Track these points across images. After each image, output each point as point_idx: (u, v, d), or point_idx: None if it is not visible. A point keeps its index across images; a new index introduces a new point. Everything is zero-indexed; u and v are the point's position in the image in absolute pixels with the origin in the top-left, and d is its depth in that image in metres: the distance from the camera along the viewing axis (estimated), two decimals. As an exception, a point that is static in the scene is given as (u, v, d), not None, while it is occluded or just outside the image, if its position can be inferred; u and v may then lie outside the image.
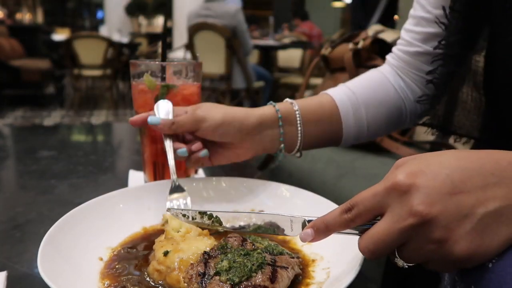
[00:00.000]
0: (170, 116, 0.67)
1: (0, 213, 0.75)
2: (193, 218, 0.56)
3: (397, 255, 0.40)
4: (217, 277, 0.45)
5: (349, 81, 0.79)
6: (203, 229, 0.57)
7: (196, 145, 0.67)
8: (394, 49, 0.81)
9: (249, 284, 0.44)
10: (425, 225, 0.36)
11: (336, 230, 0.43)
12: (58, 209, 0.74)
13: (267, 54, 5.14)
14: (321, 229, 0.44)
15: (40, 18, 12.86)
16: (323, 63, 1.51)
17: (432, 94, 0.73)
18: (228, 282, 0.44)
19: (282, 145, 0.72)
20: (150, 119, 0.67)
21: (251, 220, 0.54)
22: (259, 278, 0.45)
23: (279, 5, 11.19)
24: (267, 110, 0.70)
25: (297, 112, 0.71)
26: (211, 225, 0.55)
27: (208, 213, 0.55)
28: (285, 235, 0.50)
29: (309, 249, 0.59)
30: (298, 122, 0.71)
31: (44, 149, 1.15)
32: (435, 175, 0.38)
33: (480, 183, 0.37)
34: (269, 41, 5.57)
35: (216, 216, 0.54)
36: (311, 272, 0.54)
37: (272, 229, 0.51)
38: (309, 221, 0.46)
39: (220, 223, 0.54)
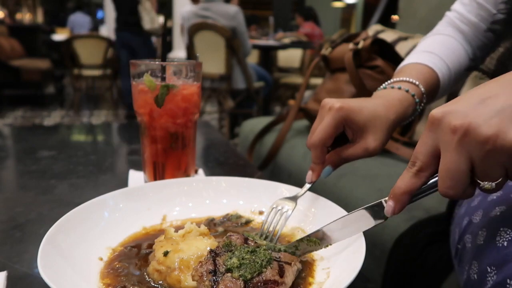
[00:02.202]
0: None
1: (0, 213, 0.75)
2: None
3: (478, 181, 0.41)
4: (229, 274, 0.46)
5: (436, 48, 0.81)
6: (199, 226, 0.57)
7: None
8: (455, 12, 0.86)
9: (261, 279, 0.45)
10: (470, 133, 0.38)
11: (412, 188, 0.44)
12: (58, 209, 0.74)
13: (267, 54, 5.14)
14: (399, 194, 0.45)
15: (40, 18, 12.86)
16: (323, 63, 1.51)
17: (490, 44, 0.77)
18: (240, 279, 0.45)
19: (417, 99, 0.70)
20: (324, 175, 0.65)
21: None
22: (269, 274, 0.46)
23: (279, 5, 11.18)
24: (405, 100, 0.68)
25: (423, 92, 0.72)
26: (310, 249, 0.55)
27: (306, 237, 0.55)
28: (378, 221, 0.51)
29: (309, 249, 0.59)
30: (424, 99, 0.73)
31: (44, 149, 1.15)
32: (463, 96, 0.41)
33: (506, 86, 0.40)
34: (269, 41, 5.57)
35: (312, 238, 0.55)
36: (312, 272, 0.54)
37: (363, 226, 0.52)
38: (385, 200, 0.48)
39: (319, 243, 0.55)
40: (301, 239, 0.55)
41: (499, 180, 0.40)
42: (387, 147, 1.31)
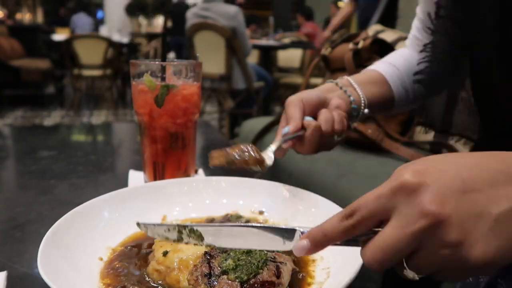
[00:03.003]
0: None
1: (0, 213, 0.75)
2: (168, 233, 0.47)
3: (406, 266, 0.36)
4: (225, 276, 0.46)
5: (386, 57, 0.88)
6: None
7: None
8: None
9: (257, 281, 0.45)
10: (439, 226, 0.33)
11: (335, 239, 0.38)
12: (58, 209, 0.74)
13: (267, 54, 5.14)
14: (319, 240, 0.38)
15: (40, 18, 12.86)
16: (323, 63, 1.51)
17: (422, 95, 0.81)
18: (237, 280, 0.45)
19: (352, 98, 0.73)
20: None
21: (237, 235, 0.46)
22: (265, 275, 0.46)
23: (279, 5, 11.18)
24: (325, 85, 0.76)
25: (349, 79, 0.76)
26: (190, 240, 0.47)
27: (189, 227, 0.46)
28: (275, 250, 0.45)
29: (309, 249, 0.59)
30: (353, 83, 0.76)
31: (44, 149, 1.15)
32: (443, 173, 0.35)
33: (490, 181, 0.34)
34: (269, 41, 5.57)
35: (197, 230, 0.46)
36: (311, 272, 0.54)
37: (260, 244, 0.43)
38: (302, 232, 0.41)
39: (202, 239, 0.46)
40: (184, 226, 0.46)
41: (426, 274, 0.37)
42: (387, 147, 1.31)
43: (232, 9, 3.65)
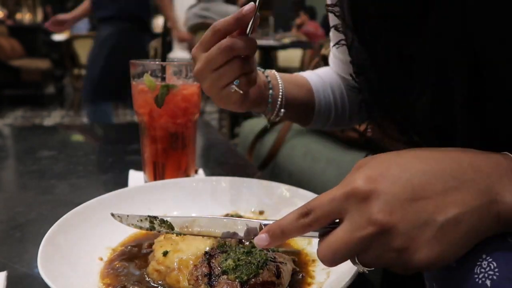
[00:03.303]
0: None
1: (0, 213, 0.75)
2: (141, 223, 0.52)
3: (357, 261, 0.38)
4: (225, 276, 0.46)
5: (320, 70, 0.84)
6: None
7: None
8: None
9: (257, 281, 0.45)
10: (385, 234, 0.35)
11: (292, 235, 0.41)
12: (58, 209, 0.74)
13: (267, 54, 5.14)
14: (277, 234, 0.41)
15: (40, 18, 12.86)
16: (323, 63, 1.51)
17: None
18: (237, 281, 0.45)
19: (271, 92, 0.70)
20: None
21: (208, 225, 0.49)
22: (265, 275, 0.46)
23: (279, 5, 11.18)
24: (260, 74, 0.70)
25: (275, 73, 0.73)
26: (162, 230, 0.51)
27: (159, 218, 0.50)
28: (240, 239, 0.48)
29: (309, 249, 0.59)
30: (278, 78, 0.72)
31: (44, 149, 1.15)
32: (395, 179, 0.36)
33: (440, 188, 0.36)
34: (269, 41, 5.57)
35: (167, 221, 0.50)
36: (311, 272, 0.54)
37: (227, 233, 0.48)
38: (265, 224, 0.44)
39: (172, 228, 0.50)
40: (155, 217, 0.51)
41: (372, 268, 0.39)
42: (387, 147, 1.31)
43: (232, 9, 3.66)
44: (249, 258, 0.47)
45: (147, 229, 0.51)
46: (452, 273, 0.39)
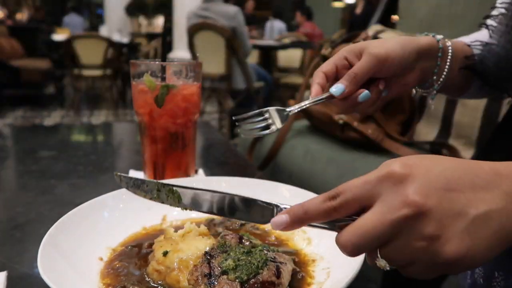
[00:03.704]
0: None
1: (0, 213, 0.75)
2: (146, 189, 0.49)
3: (379, 255, 0.37)
4: (225, 276, 0.46)
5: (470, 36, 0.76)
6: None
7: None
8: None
9: (257, 280, 0.45)
10: (419, 217, 0.34)
11: (316, 219, 0.39)
12: (58, 209, 0.74)
13: (267, 54, 5.14)
14: (298, 217, 0.39)
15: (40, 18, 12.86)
16: (323, 63, 1.51)
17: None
18: (237, 281, 0.45)
19: (435, 77, 0.66)
20: (335, 90, 0.61)
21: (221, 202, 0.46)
22: (265, 275, 0.46)
23: (279, 5, 11.18)
24: (427, 41, 0.65)
25: (450, 50, 0.67)
26: (168, 200, 0.48)
27: (168, 187, 0.48)
28: (256, 221, 0.45)
29: (309, 249, 0.59)
30: (449, 59, 0.66)
31: (44, 149, 1.15)
32: (429, 169, 0.36)
33: (470, 184, 0.36)
34: (269, 41, 5.57)
35: (176, 191, 0.47)
36: (311, 272, 0.54)
37: (244, 215, 0.45)
38: (281, 208, 0.42)
39: (180, 200, 0.47)
40: (163, 185, 0.48)
41: (396, 267, 0.38)
42: (387, 147, 1.31)
43: (232, 9, 3.65)
44: (249, 258, 0.47)
45: (151, 198, 0.48)
46: None
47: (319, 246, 0.59)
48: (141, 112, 0.78)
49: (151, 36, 8.33)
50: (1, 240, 0.65)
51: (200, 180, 0.77)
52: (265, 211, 0.43)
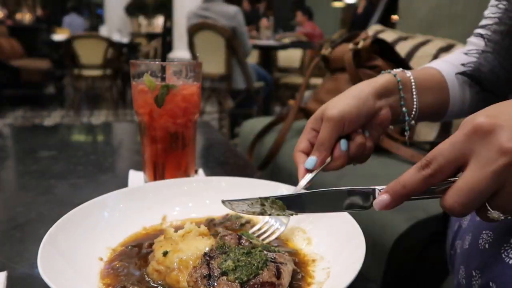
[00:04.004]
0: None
1: (0, 213, 0.75)
2: (253, 207, 0.51)
3: (489, 208, 0.37)
4: (224, 277, 0.45)
5: (449, 56, 0.78)
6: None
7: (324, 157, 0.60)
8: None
9: (257, 281, 0.45)
10: None
11: (415, 190, 0.39)
12: (58, 209, 0.74)
13: (267, 54, 5.14)
14: (398, 192, 0.39)
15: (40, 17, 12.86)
16: (323, 63, 1.51)
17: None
18: (236, 281, 0.45)
19: (405, 109, 0.66)
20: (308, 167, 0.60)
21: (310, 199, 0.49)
22: (265, 275, 0.45)
23: (279, 5, 11.18)
24: (384, 78, 0.66)
25: (412, 80, 0.67)
26: (273, 212, 0.50)
27: (271, 199, 0.49)
28: (356, 209, 0.46)
29: (309, 249, 0.59)
30: (414, 89, 0.67)
31: (44, 149, 1.15)
32: (510, 108, 0.36)
33: None
34: (269, 41, 5.57)
35: (279, 201, 0.49)
36: (311, 272, 0.54)
37: (342, 206, 0.46)
38: (380, 189, 0.43)
39: (284, 209, 0.49)
40: (266, 198, 0.50)
41: (509, 215, 0.37)
42: (387, 146, 1.31)
43: (232, 9, 3.65)
44: (249, 259, 0.47)
45: (258, 214, 0.51)
46: None
47: (319, 246, 0.59)
48: (141, 112, 0.78)
49: (151, 36, 8.34)
50: (1, 240, 0.65)
51: (200, 180, 0.77)
52: (366, 196, 0.44)
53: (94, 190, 0.85)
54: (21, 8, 12.34)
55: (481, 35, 0.71)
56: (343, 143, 0.61)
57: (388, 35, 1.76)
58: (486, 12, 0.74)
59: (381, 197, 0.41)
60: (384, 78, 0.66)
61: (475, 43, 0.74)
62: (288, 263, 0.50)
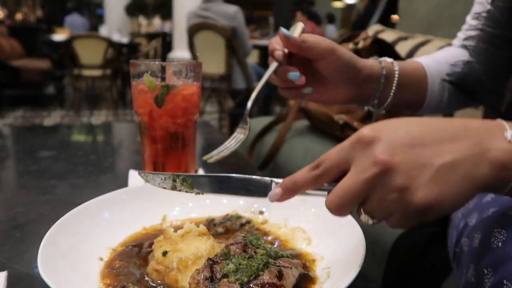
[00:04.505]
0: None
1: (0, 213, 0.75)
2: (165, 181, 0.54)
3: (362, 211, 0.41)
4: (225, 279, 0.45)
5: (436, 53, 0.82)
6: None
7: (302, 79, 0.66)
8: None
9: (258, 282, 0.45)
10: (387, 173, 0.38)
11: (304, 187, 0.44)
12: (58, 209, 0.74)
13: (267, 54, 5.14)
14: (289, 187, 0.45)
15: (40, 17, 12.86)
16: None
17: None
18: (237, 283, 0.44)
19: (376, 101, 0.72)
20: (285, 32, 0.64)
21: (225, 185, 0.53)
22: (266, 276, 0.45)
23: (279, 5, 11.19)
24: (375, 65, 0.70)
25: (396, 73, 0.72)
26: (182, 188, 0.54)
27: (182, 176, 0.53)
28: (255, 196, 0.50)
29: (309, 249, 0.59)
30: (395, 83, 0.72)
31: (44, 149, 1.15)
32: (396, 129, 0.40)
33: (436, 138, 0.39)
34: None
35: (189, 179, 0.53)
36: (311, 272, 0.54)
37: (243, 192, 0.51)
38: (277, 182, 0.48)
39: (192, 187, 0.53)
40: (178, 175, 0.53)
41: (378, 220, 0.41)
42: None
43: (232, 9, 3.65)
44: (251, 262, 0.47)
45: (169, 189, 0.54)
46: None
47: (319, 246, 0.59)
48: (141, 112, 0.78)
49: (151, 36, 8.33)
50: (1, 240, 0.65)
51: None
52: (262, 186, 0.49)
53: (94, 190, 0.85)
54: (21, 8, 12.34)
55: (465, 47, 0.76)
56: (294, 74, 0.67)
57: (388, 35, 1.76)
58: (469, 18, 0.79)
59: (275, 191, 0.46)
60: (371, 63, 0.70)
61: (460, 54, 0.79)
62: (293, 267, 0.49)
